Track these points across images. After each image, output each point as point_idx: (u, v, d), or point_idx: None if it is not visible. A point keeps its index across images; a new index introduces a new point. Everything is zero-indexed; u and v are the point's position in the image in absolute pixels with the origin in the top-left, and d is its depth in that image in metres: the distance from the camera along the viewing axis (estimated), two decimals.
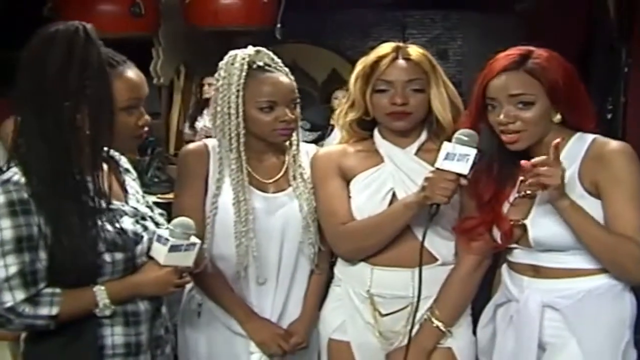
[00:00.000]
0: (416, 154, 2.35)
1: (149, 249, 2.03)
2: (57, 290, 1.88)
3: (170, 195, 3.60)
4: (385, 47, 2.34)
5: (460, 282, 2.32)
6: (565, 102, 2.07)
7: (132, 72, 2.00)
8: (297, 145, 2.49)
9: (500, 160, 2.21)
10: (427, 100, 2.31)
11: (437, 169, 2.12)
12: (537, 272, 2.15)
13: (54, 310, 1.87)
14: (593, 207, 2.04)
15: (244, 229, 2.34)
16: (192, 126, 6.37)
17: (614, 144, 2.08)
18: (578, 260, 2.09)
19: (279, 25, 5.36)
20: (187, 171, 2.44)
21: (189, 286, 2.45)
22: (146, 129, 2.05)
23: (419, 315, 2.29)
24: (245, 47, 2.41)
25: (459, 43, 9.08)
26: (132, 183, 2.18)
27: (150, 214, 2.14)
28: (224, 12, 5.88)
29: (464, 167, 2.09)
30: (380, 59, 2.31)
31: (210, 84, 6.22)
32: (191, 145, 2.53)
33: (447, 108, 2.30)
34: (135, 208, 2.08)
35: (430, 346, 2.31)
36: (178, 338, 2.45)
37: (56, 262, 1.87)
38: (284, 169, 2.46)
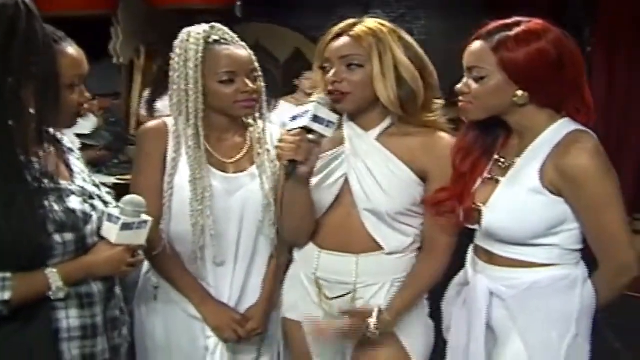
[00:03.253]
0: (378, 138, 2.26)
1: (99, 228, 1.99)
2: (8, 274, 1.82)
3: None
4: (341, 24, 2.25)
5: (424, 281, 2.28)
6: (528, 83, 1.96)
7: (73, 49, 1.96)
8: (264, 122, 2.43)
9: (483, 132, 2.14)
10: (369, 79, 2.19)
11: (287, 131, 2.11)
12: (490, 258, 2.11)
13: (7, 295, 1.81)
14: (550, 205, 1.98)
15: (199, 208, 2.28)
16: (149, 109, 6.23)
17: (578, 156, 1.92)
18: (527, 253, 2.03)
19: (239, 3, 5.27)
20: (145, 150, 2.38)
21: (145, 268, 2.42)
22: (86, 105, 2.02)
23: (361, 302, 2.26)
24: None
25: (423, 22, 9.01)
26: (76, 162, 2.11)
27: (98, 192, 2.08)
28: None
29: (303, 120, 2.08)
30: (328, 35, 2.24)
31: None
32: (150, 124, 2.46)
33: (390, 88, 2.16)
34: (82, 187, 2.02)
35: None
36: (135, 321, 2.41)
37: (5, 246, 1.80)
38: (246, 148, 2.41)
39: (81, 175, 2.07)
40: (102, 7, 5.90)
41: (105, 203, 2.06)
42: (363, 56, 2.17)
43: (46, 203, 1.85)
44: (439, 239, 2.25)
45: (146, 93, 6.53)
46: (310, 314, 2.30)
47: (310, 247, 2.32)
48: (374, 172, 2.21)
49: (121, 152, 5.19)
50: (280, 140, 2.11)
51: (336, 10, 8.47)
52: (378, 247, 2.26)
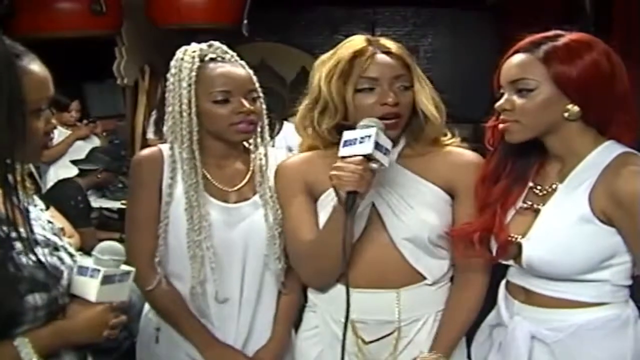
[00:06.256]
0: (397, 161, 2.10)
1: (68, 286, 1.68)
2: None
3: None
4: (357, 41, 2.08)
5: (464, 314, 2.11)
6: (581, 96, 1.81)
7: (37, 66, 1.58)
8: (265, 147, 2.27)
9: (512, 158, 1.98)
10: (413, 100, 2.06)
11: (341, 157, 1.89)
12: (528, 297, 1.94)
13: None
14: (601, 235, 1.79)
15: (197, 238, 2.12)
16: (157, 130, 6.09)
17: (633, 180, 1.75)
18: (573, 291, 1.86)
19: (245, 22, 5.18)
20: (139, 180, 2.22)
21: (146, 307, 2.25)
22: (52, 135, 1.70)
23: (405, 341, 2.09)
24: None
25: (430, 40, 8.95)
26: (31, 208, 1.71)
27: (60, 243, 1.72)
28: (188, 10, 5.71)
29: (366, 147, 1.86)
30: (358, 53, 2.04)
31: None
32: (144, 151, 2.32)
33: (432, 104, 2.06)
34: (44, 236, 1.67)
35: None
36: None
37: None
38: (248, 176, 2.25)
39: (38, 222, 1.69)
40: (105, 27, 5.82)
41: (71, 255, 1.72)
42: (408, 76, 2.05)
43: (14, 255, 1.52)
44: (471, 271, 2.09)
45: (153, 115, 6.44)
46: None
47: (337, 286, 2.11)
48: (405, 197, 2.05)
49: (122, 173, 5.06)
50: (336, 168, 1.88)
51: (341, 29, 8.49)
52: (419, 278, 2.09)
